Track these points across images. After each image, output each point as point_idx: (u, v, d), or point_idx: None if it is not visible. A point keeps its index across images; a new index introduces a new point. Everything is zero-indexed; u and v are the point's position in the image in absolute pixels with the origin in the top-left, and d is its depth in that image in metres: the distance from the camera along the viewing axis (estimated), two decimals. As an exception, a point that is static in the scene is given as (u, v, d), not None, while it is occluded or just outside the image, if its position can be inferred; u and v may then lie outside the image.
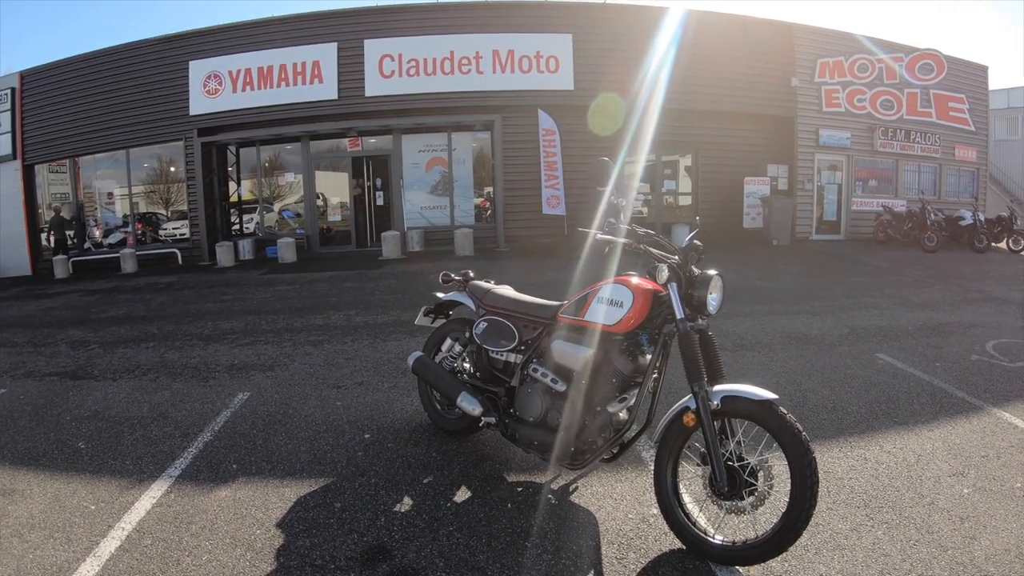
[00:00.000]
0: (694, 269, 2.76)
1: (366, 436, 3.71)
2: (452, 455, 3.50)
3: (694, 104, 13.76)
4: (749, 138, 14.66)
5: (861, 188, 15.58)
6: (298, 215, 14.99)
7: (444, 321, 3.87)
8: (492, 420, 3.21)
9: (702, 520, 2.74)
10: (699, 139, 14.43)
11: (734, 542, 2.57)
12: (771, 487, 2.53)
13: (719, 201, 14.43)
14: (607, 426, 2.89)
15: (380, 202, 14.45)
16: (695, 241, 2.82)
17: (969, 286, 9.20)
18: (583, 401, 2.89)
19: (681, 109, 13.44)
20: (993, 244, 14.02)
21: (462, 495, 3.12)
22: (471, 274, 3.68)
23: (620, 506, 3.10)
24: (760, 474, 2.54)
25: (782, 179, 15.05)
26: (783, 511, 2.46)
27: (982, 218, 13.82)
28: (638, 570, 2.60)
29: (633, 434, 2.89)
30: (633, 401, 2.83)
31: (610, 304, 2.81)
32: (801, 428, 2.42)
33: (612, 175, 3.24)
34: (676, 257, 2.80)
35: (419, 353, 3.68)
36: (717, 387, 2.60)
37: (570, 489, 3.22)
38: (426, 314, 3.84)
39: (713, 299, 2.70)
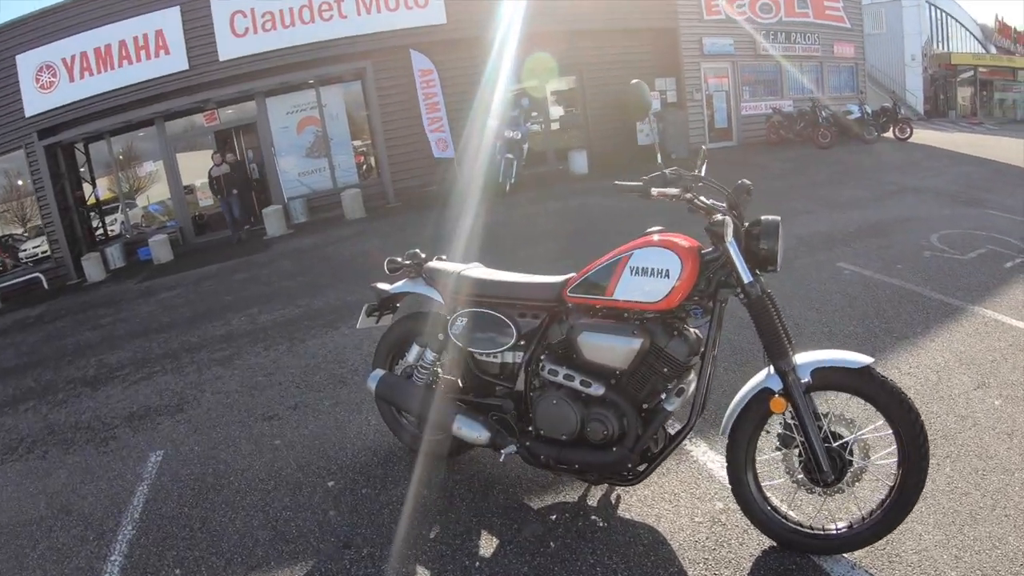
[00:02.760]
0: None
1: (330, 484, 2.84)
2: (449, 489, 2.74)
3: (573, 24, 13.10)
4: (634, 54, 14.27)
5: (749, 93, 15.78)
6: (166, 206, 13.08)
7: (396, 319, 3.00)
8: (512, 449, 2.45)
9: (795, 512, 2.32)
10: (582, 60, 13.86)
11: (838, 528, 2.22)
12: (867, 460, 2.16)
13: (610, 121, 14.05)
14: (662, 426, 2.26)
15: (257, 175, 12.85)
16: (744, 180, 2.22)
17: (879, 179, 9.43)
18: (631, 403, 2.24)
19: (560, 31, 12.79)
20: (881, 135, 14.72)
21: (487, 545, 2.39)
22: (422, 254, 2.82)
23: (680, 509, 2.55)
24: (855, 448, 2.15)
25: (671, 92, 14.91)
26: (891, 485, 2.14)
27: (869, 111, 14.43)
28: None
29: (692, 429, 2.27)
30: (691, 390, 2.23)
31: (651, 275, 2.14)
32: (902, 388, 2.06)
33: (649, 98, 2.49)
34: (723, 204, 2.22)
35: (380, 372, 2.82)
36: (800, 359, 2.13)
37: (612, 502, 2.58)
38: (369, 313, 2.94)
39: (780, 251, 2.14)
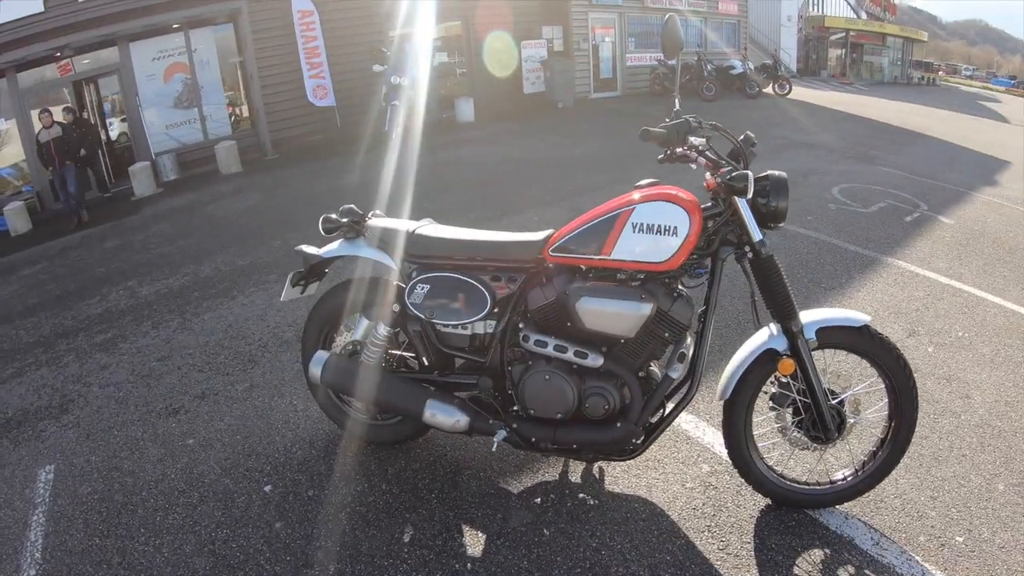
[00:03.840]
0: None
1: (267, 489, 2.36)
2: (411, 480, 2.38)
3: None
4: (520, 1, 13.79)
5: (634, 44, 15.86)
6: (20, 169, 10.90)
7: (326, 288, 2.51)
8: (503, 435, 2.13)
9: (789, 470, 2.34)
10: (468, 5, 13.20)
11: (833, 481, 2.26)
12: (858, 415, 2.21)
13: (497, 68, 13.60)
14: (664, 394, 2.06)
15: (114, 131, 11.02)
16: (749, 133, 2.09)
17: (769, 133, 9.83)
18: (632, 372, 2.02)
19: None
20: (762, 90, 15.42)
21: (474, 542, 2.09)
22: (357, 210, 2.37)
23: (668, 476, 2.43)
24: (846, 404, 2.18)
25: (557, 40, 14.66)
26: (882, 437, 2.20)
27: (751, 66, 15.00)
28: (753, 550, 2.09)
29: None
30: (691, 353, 2.06)
31: (657, 232, 1.91)
32: (895, 345, 2.10)
33: (682, 36, 2.22)
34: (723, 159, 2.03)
35: (324, 354, 2.35)
36: (803, 318, 2.07)
37: (597, 476, 2.38)
38: (295, 283, 2.43)
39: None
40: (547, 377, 2.01)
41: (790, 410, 2.19)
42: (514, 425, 2.11)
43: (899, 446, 2.18)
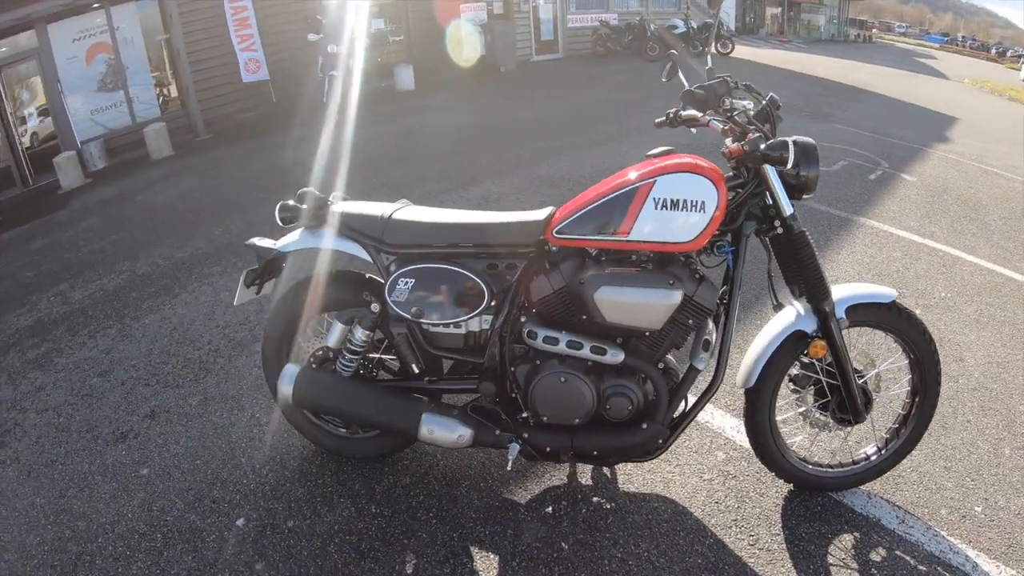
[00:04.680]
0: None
1: (240, 523, 2.04)
2: (403, 499, 2.12)
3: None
4: (458, -39, 13.22)
5: (575, 5, 15.50)
6: None
7: (285, 287, 2.16)
8: (516, 448, 1.88)
9: (814, 455, 2.24)
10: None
11: (855, 462, 2.17)
12: (878, 393, 2.10)
13: (435, 33, 13.04)
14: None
15: (32, 122, 9.94)
16: (773, 95, 1.87)
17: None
18: (654, 365, 1.82)
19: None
20: (705, 49, 15.28)
21: (487, 566, 1.87)
22: (317, 193, 2.02)
23: (684, 468, 2.29)
24: (869, 382, 2.06)
25: (497, 3, 14.17)
26: (904, 414, 2.12)
27: (694, 26, 14.87)
28: (784, 542, 1.98)
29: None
30: (715, 340, 1.87)
31: (682, 208, 1.68)
32: (921, 319, 2.01)
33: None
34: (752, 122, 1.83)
35: (294, 368, 2.01)
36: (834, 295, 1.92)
37: (608, 476, 2.20)
38: (250, 283, 2.06)
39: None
40: (562, 379, 1.77)
41: (811, 391, 2.06)
42: (525, 435, 1.87)
43: (923, 422, 2.10)
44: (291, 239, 2.04)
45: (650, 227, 1.68)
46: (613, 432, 1.83)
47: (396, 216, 1.92)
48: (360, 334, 2.00)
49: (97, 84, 10.02)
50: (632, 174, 1.75)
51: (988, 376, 2.87)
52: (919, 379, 2.04)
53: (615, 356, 1.76)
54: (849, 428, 2.07)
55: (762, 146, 1.69)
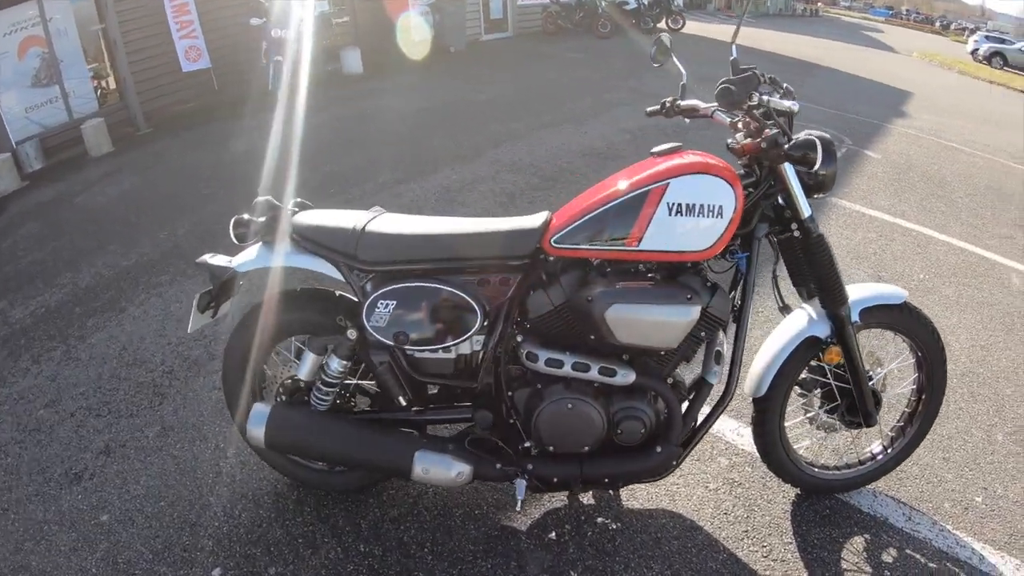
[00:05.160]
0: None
1: (216, 573, 1.83)
2: (392, 535, 1.95)
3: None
4: (402, -63, 12.73)
5: (526, -18, 15.13)
6: None
7: (249, 311, 1.90)
8: (523, 483, 1.73)
9: (821, 457, 2.23)
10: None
11: (862, 463, 2.13)
12: (885, 391, 2.04)
13: (381, 14, 12.57)
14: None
15: None
16: (788, 86, 1.75)
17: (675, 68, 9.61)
18: (665, 383, 1.70)
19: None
20: (656, 25, 15.23)
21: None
22: (275, 202, 1.80)
23: (688, 479, 2.20)
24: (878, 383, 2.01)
25: (445, -20, 13.74)
26: (909, 412, 2.09)
27: (644, 1, 14.75)
28: (797, 550, 1.93)
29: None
30: (727, 351, 1.77)
31: (698, 213, 1.54)
32: (930, 318, 1.96)
33: None
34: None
35: (263, 406, 1.79)
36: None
37: (611, 494, 2.09)
38: (204, 307, 1.79)
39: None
40: (569, 406, 1.63)
41: (818, 395, 2.00)
42: (530, 466, 1.72)
43: (929, 419, 2.06)
44: (248, 256, 1.78)
45: (663, 235, 1.53)
46: (626, 457, 1.71)
47: (371, 228, 1.69)
48: (336, 364, 1.77)
49: (31, 80, 9.30)
50: (640, 175, 1.59)
51: (974, 360, 2.87)
52: (927, 377, 1.99)
53: (626, 377, 1.62)
54: (847, 430, 2.01)
55: (785, 144, 1.56)
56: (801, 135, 1.61)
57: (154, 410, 2.63)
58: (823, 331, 1.80)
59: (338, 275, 1.75)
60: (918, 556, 1.96)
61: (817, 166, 1.57)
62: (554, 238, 1.61)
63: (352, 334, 1.73)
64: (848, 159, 5.49)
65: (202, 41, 9.99)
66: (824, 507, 2.09)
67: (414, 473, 1.71)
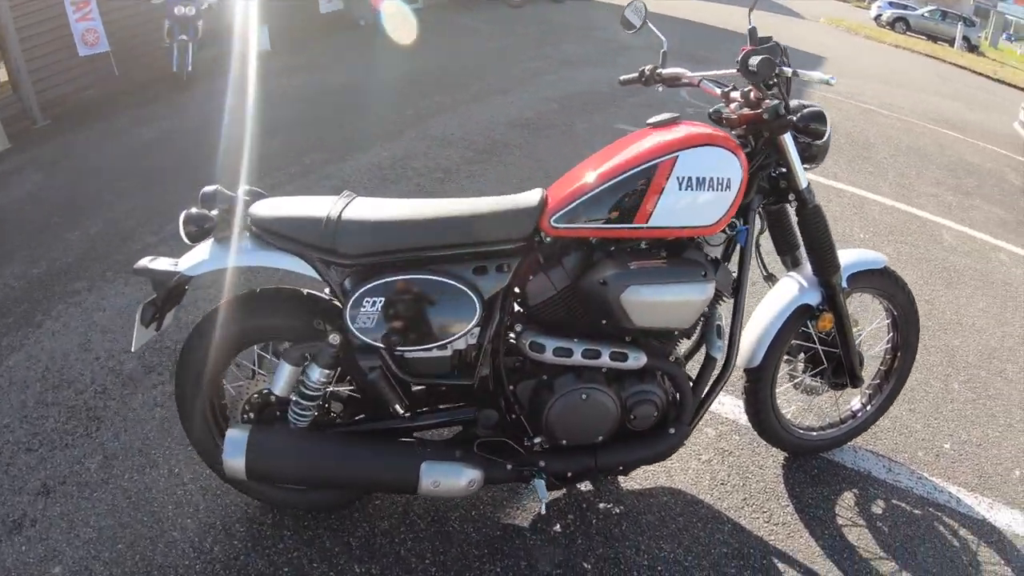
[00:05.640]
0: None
1: None
2: (387, 549, 1.81)
3: None
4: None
5: (436, -46, 14.67)
6: None
7: (202, 318, 1.66)
8: (542, 482, 1.63)
9: (806, 420, 2.28)
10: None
11: (843, 421, 2.20)
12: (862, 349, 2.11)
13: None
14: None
15: None
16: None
17: (593, 36, 9.65)
18: (672, 362, 1.65)
19: None
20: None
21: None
22: (226, 192, 1.57)
23: (682, 453, 2.19)
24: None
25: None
26: (885, 369, 2.18)
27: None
28: (795, 512, 1.99)
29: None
30: (727, 325, 1.74)
31: (707, 187, 1.48)
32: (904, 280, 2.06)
33: None
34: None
35: (239, 432, 1.57)
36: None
37: (616, 481, 2.04)
38: (148, 320, 1.56)
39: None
40: (584, 396, 1.54)
41: (803, 360, 2.04)
42: (542, 463, 1.63)
43: (903, 375, 2.15)
44: (198, 257, 1.52)
45: (673, 211, 1.47)
46: (639, 443, 1.66)
47: (348, 215, 1.49)
48: (317, 375, 1.57)
49: (-81, 76, 8.18)
50: (644, 148, 1.50)
51: (922, 315, 2.97)
52: (902, 336, 2.07)
53: (637, 359, 1.55)
54: (841, 391, 2.06)
55: (792, 116, 1.53)
56: (812, 109, 1.58)
57: (92, 437, 2.32)
58: (814, 298, 1.82)
59: (310, 271, 1.55)
60: (903, 505, 2.05)
61: (825, 138, 1.55)
62: (553, 217, 1.50)
63: (335, 339, 1.54)
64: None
65: (100, 23, 9.08)
66: (812, 467, 2.14)
67: (422, 487, 1.57)
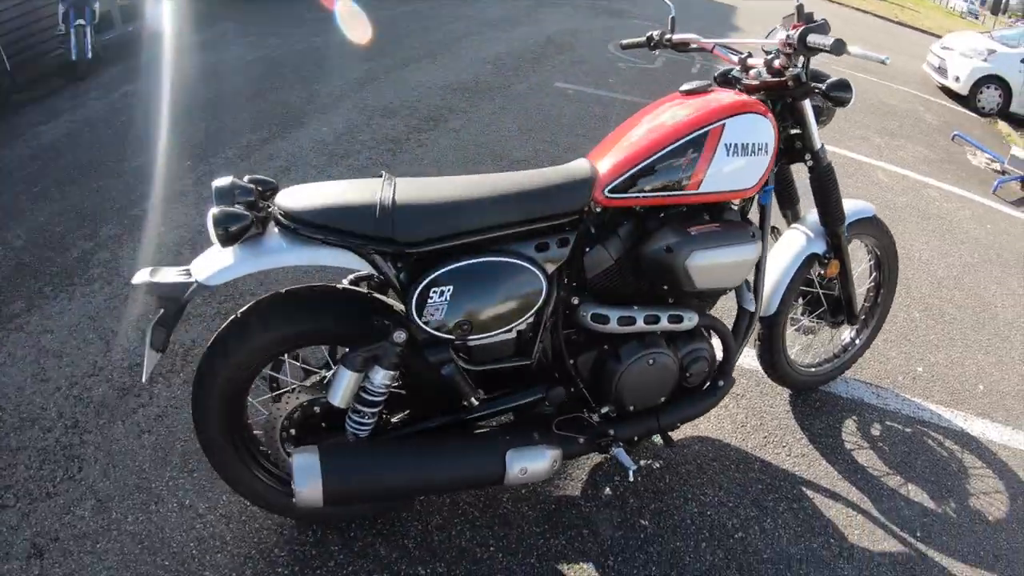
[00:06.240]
0: None
1: None
2: (453, 547, 1.77)
3: None
4: None
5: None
6: None
7: (223, 327, 1.49)
8: (622, 450, 1.67)
9: (806, 358, 2.44)
10: None
11: (837, 355, 2.39)
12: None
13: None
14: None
15: None
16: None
17: (519, 5, 9.46)
18: (720, 320, 1.76)
19: None
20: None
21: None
22: (242, 183, 1.39)
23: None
24: None
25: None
26: (869, 305, 2.39)
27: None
28: (810, 443, 2.16)
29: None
30: (755, 279, 1.83)
31: (750, 152, 1.56)
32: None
33: None
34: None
35: (310, 455, 1.42)
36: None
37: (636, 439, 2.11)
38: (161, 345, 1.38)
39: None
40: (651, 361, 1.59)
41: (801, 303, 2.22)
42: (611, 432, 1.67)
43: (886, 310, 2.37)
44: (217, 262, 1.32)
45: (721, 176, 1.53)
46: (695, 398, 1.74)
47: (402, 200, 1.36)
48: (381, 378, 1.45)
49: None
50: (691, 116, 1.53)
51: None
52: (885, 274, 2.28)
53: (691, 319, 1.62)
54: (838, 328, 2.26)
55: (823, 85, 1.60)
56: (839, 78, 1.64)
57: (76, 480, 2.02)
58: (821, 247, 1.98)
59: (364, 267, 1.42)
60: (896, 425, 2.27)
61: (850, 104, 1.64)
62: (608, 188, 1.50)
63: (399, 336, 1.42)
64: (704, 75, 5.87)
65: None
66: (814, 400, 2.34)
67: (509, 477, 1.53)
